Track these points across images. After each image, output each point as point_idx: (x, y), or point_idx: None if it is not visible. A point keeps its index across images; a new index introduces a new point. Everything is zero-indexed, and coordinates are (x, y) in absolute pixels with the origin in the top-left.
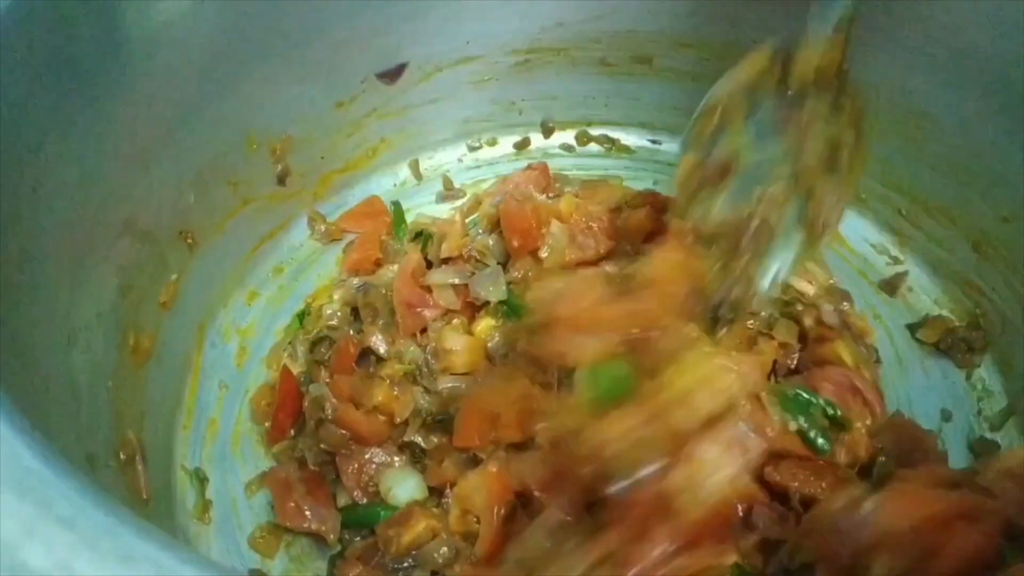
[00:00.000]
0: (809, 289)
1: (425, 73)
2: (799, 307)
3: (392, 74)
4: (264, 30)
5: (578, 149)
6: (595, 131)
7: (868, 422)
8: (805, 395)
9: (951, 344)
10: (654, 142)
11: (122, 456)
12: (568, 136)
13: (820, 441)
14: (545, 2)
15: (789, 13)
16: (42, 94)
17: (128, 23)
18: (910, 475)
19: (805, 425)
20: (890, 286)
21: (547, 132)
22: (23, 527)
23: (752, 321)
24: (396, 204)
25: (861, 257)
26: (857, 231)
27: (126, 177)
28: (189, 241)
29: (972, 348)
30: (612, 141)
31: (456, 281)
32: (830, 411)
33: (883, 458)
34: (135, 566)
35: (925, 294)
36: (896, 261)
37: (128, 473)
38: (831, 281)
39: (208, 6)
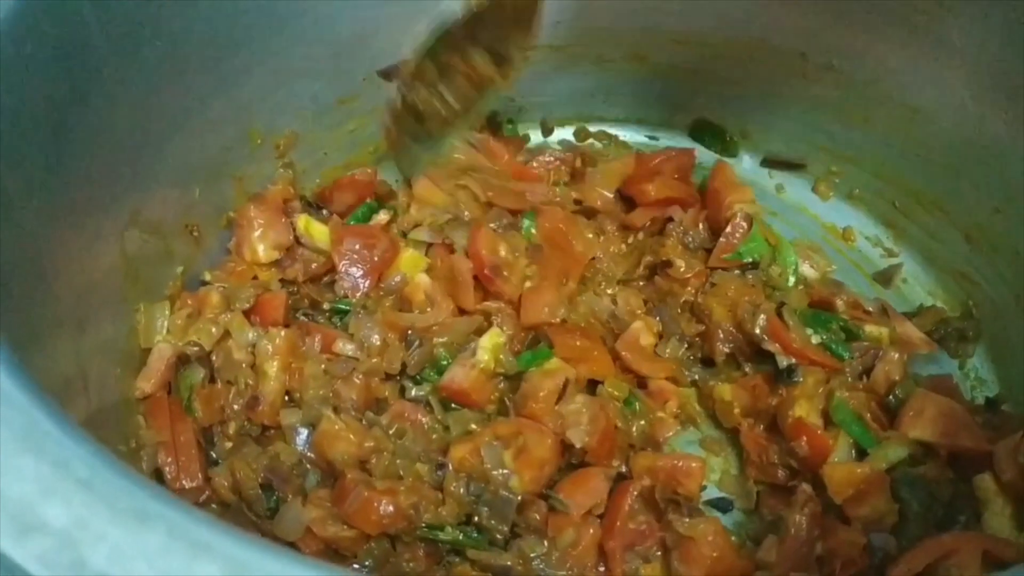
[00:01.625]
0: (812, 273)
1: None
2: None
3: (393, 71)
4: (267, 27)
5: (577, 145)
6: (593, 127)
7: (885, 331)
8: (824, 315)
9: (944, 334)
10: (652, 138)
11: (132, 444)
12: (567, 132)
13: (840, 350)
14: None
15: (779, 6)
16: (51, 89)
17: (134, 18)
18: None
19: (826, 338)
20: (885, 278)
21: (546, 131)
22: (42, 487)
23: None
24: (383, 182)
25: (856, 249)
26: (852, 224)
27: (133, 169)
28: (195, 234)
29: (965, 337)
30: (610, 137)
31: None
32: (842, 324)
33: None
34: (149, 523)
35: (919, 285)
36: (890, 253)
37: (136, 460)
38: (829, 269)
39: (211, 2)
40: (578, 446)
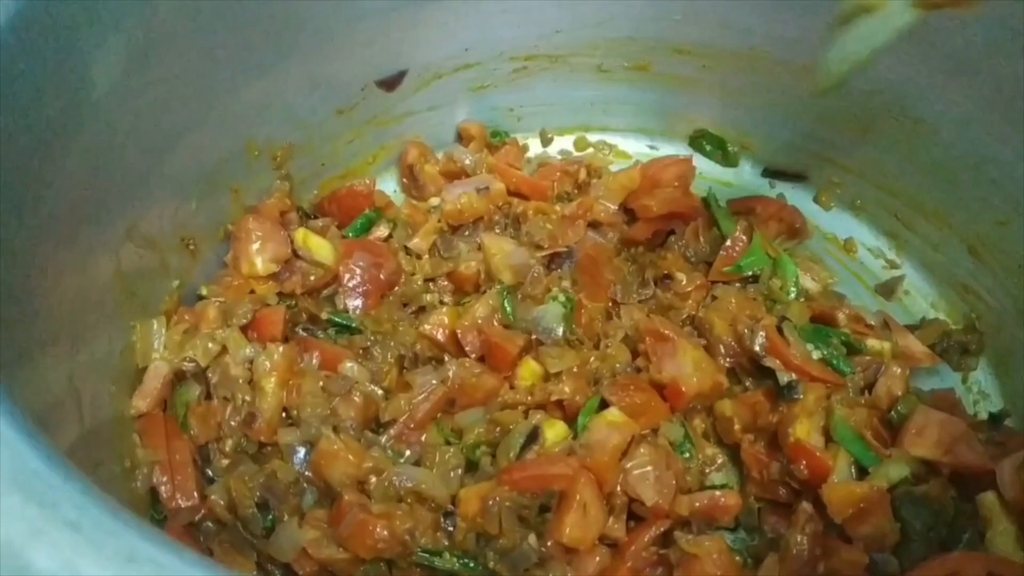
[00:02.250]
0: (813, 285)
1: (424, 80)
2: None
3: (392, 81)
4: (264, 38)
5: (576, 155)
6: (593, 137)
7: (887, 345)
8: (825, 329)
9: (947, 347)
10: (652, 147)
11: (127, 463)
12: (566, 142)
13: (841, 365)
14: (543, 10)
15: (781, 16)
16: (44, 103)
17: (129, 31)
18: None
19: (826, 353)
20: (887, 290)
21: (545, 141)
22: (29, 528)
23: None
24: (382, 193)
25: (858, 261)
26: (854, 235)
27: (128, 184)
28: (191, 247)
29: (968, 351)
30: (610, 147)
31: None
32: (844, 339)
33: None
34: (139, 567)
35: (921, 297)
36: (892, 265)
37: (131, 479)
38: (830, 281)
39: (208, 14)
40: (649, 505)
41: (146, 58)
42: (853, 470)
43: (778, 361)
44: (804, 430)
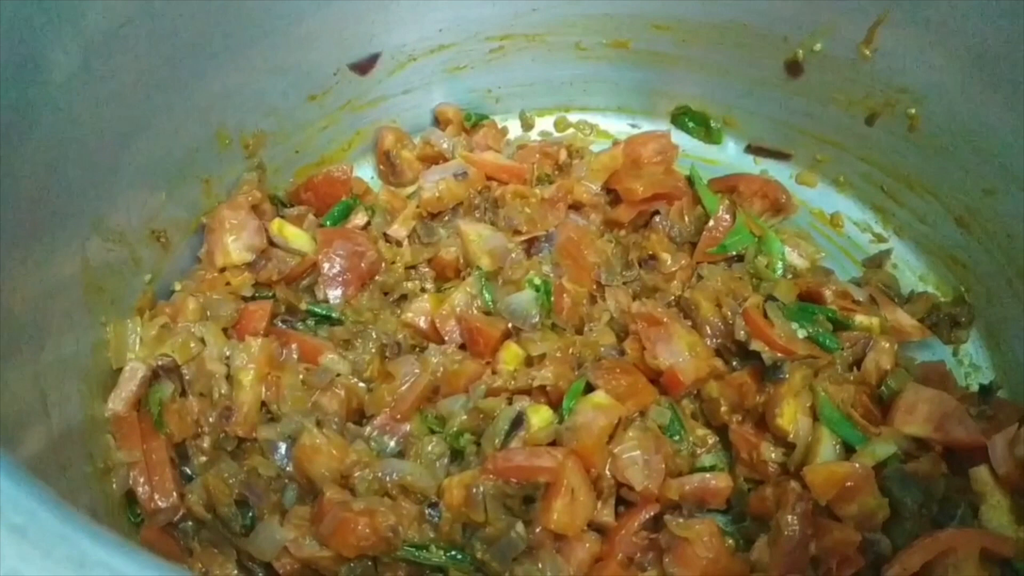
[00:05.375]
0: (800, 262)
1: (398, 63)
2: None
3: (365, 65)
4: (232, 22)
5: (557, 136)
6: (573, 117)
7: (875, 320)
8: (810, 307)
9: (937, 320)
10: (633, 126)
11: (100, 464)
12: (547, 123)
13: (828, 343)
14: None
15: None
16: (2, 93)
17: (90, 19)
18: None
19: (812, 331)
20: (875, 263)
21: (527, 126)
22: None
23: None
24: (359, 179)
25: (845, 236)
26: (840, 209)
27: (92, 176)
28: (162, 240)
29: (958, 323)
30: (591, 127)
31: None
32: (832, 316)
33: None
34: (88, 571)
35: (910, 270)
36: (880, 238)
37: (105, 481)
38: (817, 256)
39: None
40: (638, 489)
41: (105, 46)
42: (840, 449)
43: (762, 343)
44: (791, 411)
